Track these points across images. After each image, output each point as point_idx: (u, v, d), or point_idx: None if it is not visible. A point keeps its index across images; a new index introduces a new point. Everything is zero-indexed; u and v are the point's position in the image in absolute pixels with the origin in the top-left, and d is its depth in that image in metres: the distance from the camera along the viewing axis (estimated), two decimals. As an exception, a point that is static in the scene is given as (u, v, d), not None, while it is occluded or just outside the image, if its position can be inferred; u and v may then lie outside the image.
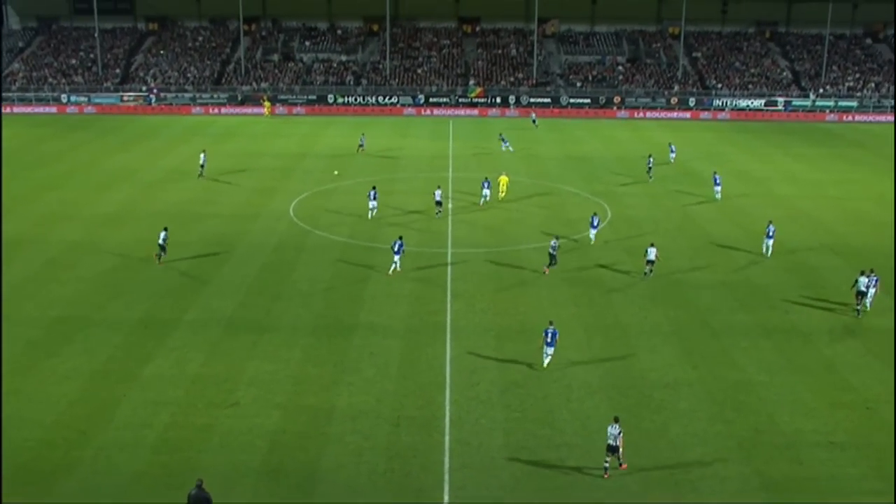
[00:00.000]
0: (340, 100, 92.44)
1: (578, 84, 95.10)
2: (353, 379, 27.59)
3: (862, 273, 33.95)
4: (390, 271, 36.91)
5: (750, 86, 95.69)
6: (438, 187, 48.87)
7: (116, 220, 45.62)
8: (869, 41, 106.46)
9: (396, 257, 36.72)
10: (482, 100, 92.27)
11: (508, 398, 26.45)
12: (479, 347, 29.88)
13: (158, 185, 53.92)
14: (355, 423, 24.94)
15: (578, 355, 29.40)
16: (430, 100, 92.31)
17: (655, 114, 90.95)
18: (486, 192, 49.89)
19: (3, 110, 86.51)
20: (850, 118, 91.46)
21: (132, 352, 29.33)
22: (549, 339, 28.37)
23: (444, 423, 24.96)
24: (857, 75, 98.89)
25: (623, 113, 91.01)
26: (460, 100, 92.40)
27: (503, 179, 51.81)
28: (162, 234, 38.27)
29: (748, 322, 32.52)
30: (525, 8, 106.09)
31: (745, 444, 24.15)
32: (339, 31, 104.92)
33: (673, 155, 64.09)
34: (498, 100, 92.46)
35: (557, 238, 39.07)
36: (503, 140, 67.88)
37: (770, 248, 40.53)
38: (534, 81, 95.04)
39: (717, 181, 52.50)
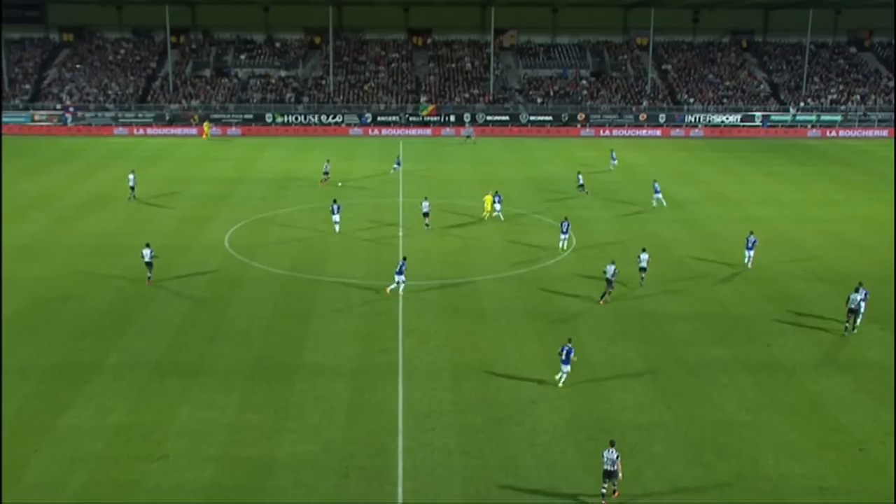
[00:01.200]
0: (280, 119, 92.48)
1: (539, 100, 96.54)
2: (296, 426, 27.36)
3: (855, 290, 35.29)
4: (388, 289, 38.89)
5: (725, 100, 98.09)
6: (426, 198, 52.29)
7: (28, 253, 44.84)
8: (853, 50, 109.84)
9: (399, 277, 38.36)
10: (435, 118, 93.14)
11: (467, 444, 26.48)
12: (434, 388, 29.89)
13: (76, 215, 53.20)
14: (299, 474, 24.72)
15: (543, 395, 29.53)
16: (379, 119, 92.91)
17: (622, 131, 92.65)
18: (498, 206, 53.21)
19: None
20: (833, 133, 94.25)
21: (45, 402, 28.73)
22: (564, 357, 30.03)
23: (397, 473, 24.87)
24: (841, 87, 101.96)
25: (588, 131, 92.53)
26: (411, 118, 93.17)
27: (488, 198, 53.93)
28: (147, 252, 40.18)
29: (726, 356, 33.05)
30: (481, 18, 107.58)
31: (727, 490, 24.37)
32: (278, 44, 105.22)
33: (614, 162, 70.19)
34: (452, 118, 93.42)
35: (614, 262, 39.26)
36: (397, 163, 67.31)
37: (751, 259, 43.67)
38: (491, 98, 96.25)
39: (657, 189, 57.13)
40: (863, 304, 35.12)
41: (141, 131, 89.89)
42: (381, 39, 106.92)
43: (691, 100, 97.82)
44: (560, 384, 30.04)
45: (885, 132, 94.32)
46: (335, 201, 50.92)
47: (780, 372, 31.79)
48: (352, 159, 76.17)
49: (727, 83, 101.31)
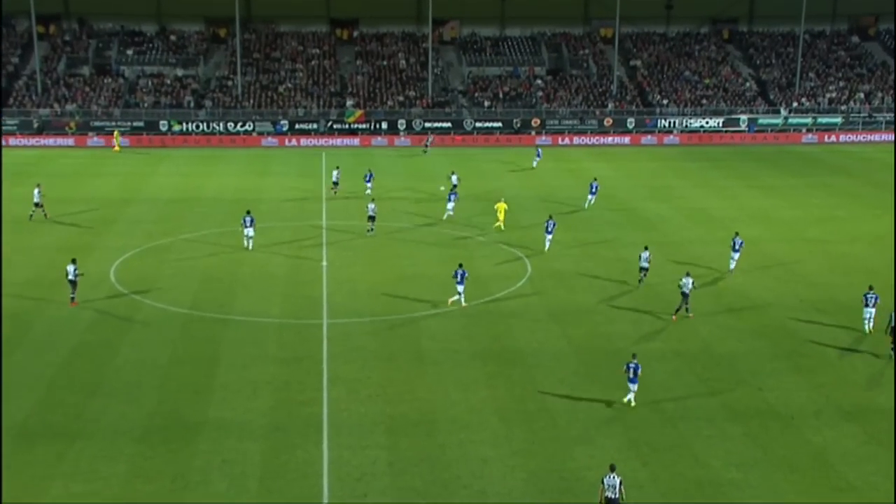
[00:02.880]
0: (177, 127, 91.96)
1: (486, 103, 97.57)
2: (198, 496, 27.06)
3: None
4: (450, 301, 42.49)
5: (704, 101, 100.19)
6: (373, 200, 57.00)
7: None
8: (856, 39, 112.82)
9: (460, 287, 42.05)
10: (363, 125, 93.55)
11: (406, 513, 26.49)
12: (366, 446, 29.85)
13: (-77, 245, 52.04)
14: (202, 556, 24.44)
15: (495, 451, 29.70)
16: (297, 126, 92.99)
17: (585, 139, 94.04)
18: (451, 205, 58.84)
19: None
20: (832, 138, 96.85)
21: None
22: (631, 375, 32.54)
23: (322, 550, 24.76)
24: (842, 83, 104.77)
25: (544, 139, 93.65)
26: (335, 126, 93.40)
27: (501, 206, 56.79)
28: (71, 269, 42.17)
29: (711, 403, 33.58)
30: (416, 8, 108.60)
31: (711, 558, 24.78)
32: (173, 37, 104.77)
33: (538, 158, 77.08)
34: (384, 125, 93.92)
35: (689, 274, 42.21)
36: (334, 181, 67.45)
37: (736, 263, 47.95)
38: (429, 101, 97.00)
39: (594, 189, 62.78)
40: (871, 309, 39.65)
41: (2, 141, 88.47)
42: (298, 32, 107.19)
43: (665, 101, 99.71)
44: (632, 404, 32.72)
45: (892, 136, 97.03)
46: (248, 213, 52.24)
47: (776, 420, 32.34)
48: (265, 175, 75.97)
49: (707, 81, 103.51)
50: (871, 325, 40.33)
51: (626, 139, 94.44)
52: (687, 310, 42.03)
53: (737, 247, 48.41)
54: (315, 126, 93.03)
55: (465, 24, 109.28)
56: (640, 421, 31.90)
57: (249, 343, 38.19)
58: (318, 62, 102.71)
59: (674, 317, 41.91)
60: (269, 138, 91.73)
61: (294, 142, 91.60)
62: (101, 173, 75.44)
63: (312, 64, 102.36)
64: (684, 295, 41.96)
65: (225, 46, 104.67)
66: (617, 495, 25.51)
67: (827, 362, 37.29)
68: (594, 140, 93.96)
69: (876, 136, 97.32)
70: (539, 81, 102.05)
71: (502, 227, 56.91)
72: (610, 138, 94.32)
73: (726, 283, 46.91)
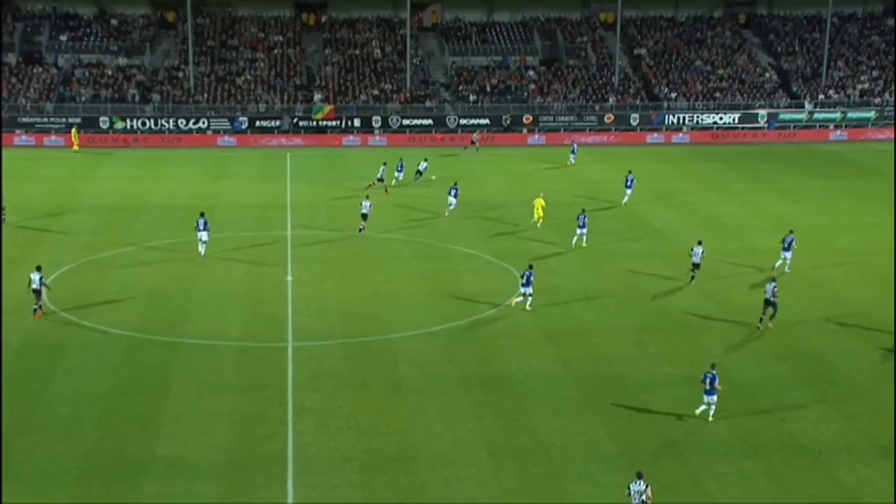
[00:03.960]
0: (120, 124, 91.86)
1: (472, 97, 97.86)
2: (143, 546, 26.92)
3: None
4: (513, 302, 45.06)
5: (718, 94, 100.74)
6: (367, 197, 59.00)
7: None
8: (892, 22, 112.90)
9: (527, 290, 44.58)
10: (333, 123, 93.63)
11: (382, 562, 26.47)
12: (336, 486, 29.78)
13: None
14: None
15: (483, 490, 29.70)
16: (258, 124, 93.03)
17: (583, 137, 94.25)
18: (453, 199, 62.82)
19: None
20: (863, 136, 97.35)
21: None
22: (707, 386, 34.08)
23: None
24: (875, 73, 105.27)
25: (537, 137, 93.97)
26: (301, 123, 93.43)
27: (539, 202, 59.78)
28: (35, 277, 43.32)
29: (727, 435, 33.59)
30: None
31: None
32: (115, 22, 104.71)
33: (574, 156, 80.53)
34: (356, 122, 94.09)
35: (775, 280, 43.99)
36: (379, 178, 69.18)
37: (788, 263, 50.89)
38: (408, 95, 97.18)
39: (630, 182, 65.89)
40: None
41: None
42: (258, 16, 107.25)
43: (673, 95, 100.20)
44: (709, 417, 34.09)
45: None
46: (202, 215, 52.72)
47: (801, 456, 32.36)
48: (222, 179, 75.89)
49: (720, 72, 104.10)
50: None
51: (630, 137, 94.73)
52: (771, 317, 43.27)
53: (787, 245, 50.86)
54: (278, 123, 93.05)
55: (448, 9, 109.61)
56: (646, 456, 31.91)
57: (204, 370, 38.05)
58: (281, 51, 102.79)
59: (769, 325, 43.22)
60: (226, 137, 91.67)
61: (255, 141, 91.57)
62: (31, 177, 75.08)
63: (275, 53, 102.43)
64: (768, 302, 43.09)
65: (174, 32, 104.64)
66: (644, 500, 27.03)
67: (859, 390, 37.34)
68: (593, 139, 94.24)
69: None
70: (531, 73, 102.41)
71: (539, 224, 59.75)
72: (611, 136, 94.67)
73: (742, 300, 47.06)
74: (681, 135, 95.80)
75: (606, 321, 44.23)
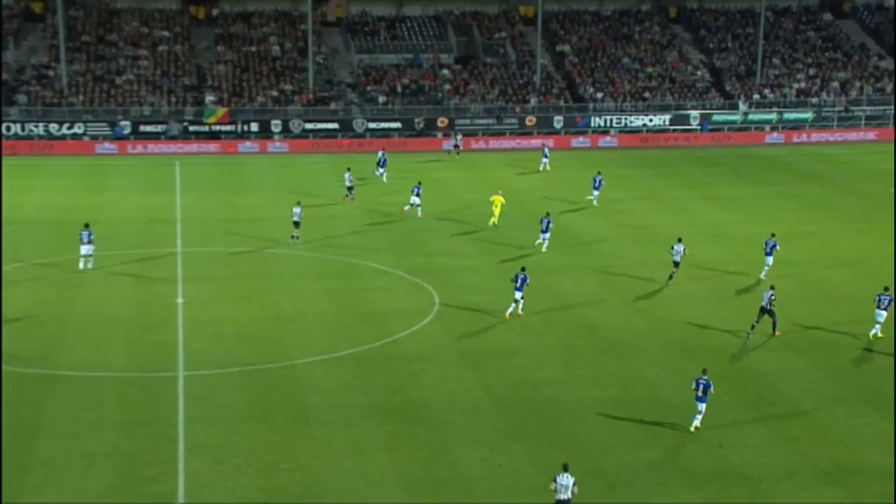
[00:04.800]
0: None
1: (381, 99, 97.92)
2: None
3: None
4: (507, 313, 46.51)
5: (647, 94, 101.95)
6: (298, 203, 59.29)
7: None
8: (828, 17, 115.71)
9: (518, 294, 46.45)
10: (228, 127, 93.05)
11: None
12: (235, 531, 29.60)
13: None
14: None
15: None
16: (141, 129, 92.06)
17: (503, 142, 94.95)
18: (416, 199, 65.56)
19: None
20: (801, 138, 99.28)
21: None
22: (700, 393, 35.47)
23: None
24: (812, 71, 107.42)
25: (453, 141, 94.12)
26: (192, 128, 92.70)
27: (498, 199, 62.87)
28: None
29: (661, 464, 33.95)
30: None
31: None
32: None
33: (545, 160, 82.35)
34: (254, 127, 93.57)
35: (773, 288, 45.37)
36: (348, 186, 70.74)
37: (768, 267, 52.72)
38: (311, 96, 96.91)
39: (598, 184, 69.09)
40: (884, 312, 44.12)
41: None
42: (140, 9, 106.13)
43: (599, 95, 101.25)
44: (693, 428, 35.56)
45: (874, 134, 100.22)
46: (87, 226, 52.69)
47: (740, 484, 32.78)
48: (101, 190, 74.91)
49: (650, 70, 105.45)
50: (879, 331, 44.23)
51: (552, 142, 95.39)
52: (774, 325, 44.95)
53: (769, 249, 52.98)
54: (165, 128, 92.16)
55: (354, 2, 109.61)
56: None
57: (82, 405, 37.43)
58: (167, 48, 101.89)
59: (777, 332, 44.96)
60: (106, 143, 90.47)
61: (139, 148, 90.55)
62: None
63: (160, 50, 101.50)
64: (764, 310, 44.59)
65: (42, 26, 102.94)
66: (569, 496, 28.44)
67: (800, 411, 37.99)
68: (514, 143, 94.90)
69: (853, 135, 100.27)
70: (446, 72, 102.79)
71: (496, 223, 63.02)
72: (533, 141, 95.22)
73: (675, 316, 47.77)
74: (608, 138, 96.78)
75: (530, 342, 44.53)
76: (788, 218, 67.36)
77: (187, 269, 54.61)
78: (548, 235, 58.13)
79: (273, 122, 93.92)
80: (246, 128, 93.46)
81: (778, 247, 53.35)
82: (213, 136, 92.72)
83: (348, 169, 72.40)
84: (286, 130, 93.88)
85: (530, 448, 34.65)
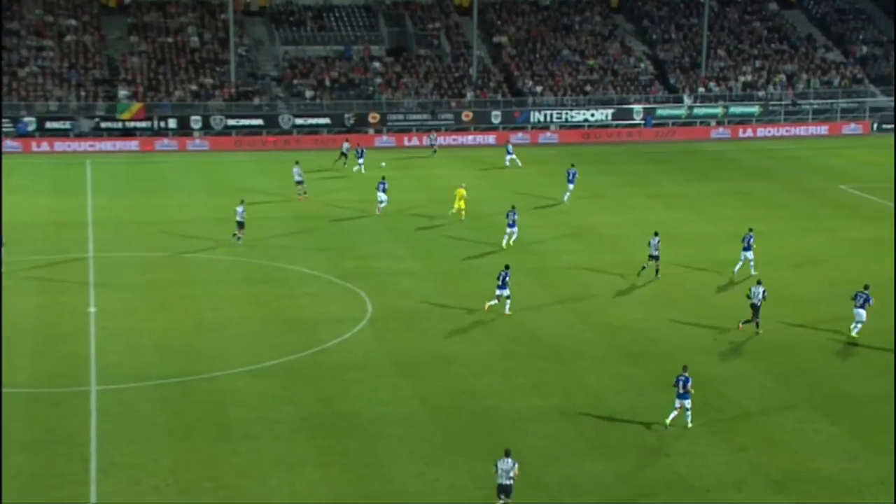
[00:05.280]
0: None
1: (309, 93, 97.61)
2: None
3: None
4: (486, 307, 48.27)
5: (588, 87, 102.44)
6: (242, 202, 59.78)
7: None
8: (774, 7, 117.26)
9: (504, 291, 48.02)
10: (143, 124, 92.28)
11: None
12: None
13: None
14: None
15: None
16: (48, 125, 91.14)
17: (438, 138, 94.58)
18: (383, 195, 66.87)
19: None
20: (748, 133, 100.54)
21: None
22: (681, 390, 36.62)
23: None
24: (758, 63, 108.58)
25: (385, 139, 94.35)
26: (104, 125, 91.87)
27: (460, 192, 65.01)
28: None
29: (605, 475, 34.09)
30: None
31: None
32: None
33: (510, 156, 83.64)
34: (171, 123, 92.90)
35: (761, 283, 46.90)
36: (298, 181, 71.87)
37: (752, 263, 54.05)
38: (233, 90, 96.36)
39: (572, 177, 70.79)
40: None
41: None
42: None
43: (539, 88, 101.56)
44: (688, 423, 36.73)
45: (824, 128, 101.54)
46: None
47: (688, 495, 33.06)
48: (5, 192, 73.72)
49: (591, 62, 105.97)
50: (858, 330, 45.70)
51: (491, 137, 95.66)
52: (757, 325, 46.14)
53: (747, 245, 54.30)
54: (74, 125, 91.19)
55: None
56: (514, 501, 32.30)
57: (-12, 421, 36.99)
58: (75, 37, 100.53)
59: (741, 325, 46.58)
60: (8, 141, 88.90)
61: (44, 146, 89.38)
62: None
63: (68, 40, 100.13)
64: (754, 307, 45.99)
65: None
66: (511, 481, 30.12)
67: (748, 418, 38.39)
68: (450, 139, 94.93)
69: (801, 129, 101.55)
70: (377, 64, 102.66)
71: (462, 217, 64.99)
72: (470, 137, 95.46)
73: (619, 320, 48.11)
74: (548, 134, 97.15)
75: (468, 349, 44.62)
76: (735, 216, 67.91)
77: (100, 275, 54.05)
78: (515, 229, 59.43)
79: (192, 118, 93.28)
80: (163, 124, 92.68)
81: (753, 241, 54.63)
82: (128, 133, 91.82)
83: (297, 163, 72.95)
84: (207, 127, 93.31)
85: (469, 461, 34.66)
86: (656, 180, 79.82)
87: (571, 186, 71.12)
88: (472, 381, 41.22)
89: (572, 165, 72.08)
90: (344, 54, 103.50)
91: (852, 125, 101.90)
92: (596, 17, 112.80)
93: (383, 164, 78.74)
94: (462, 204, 65.15)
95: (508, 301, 48.16)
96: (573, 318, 48.64)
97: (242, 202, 60.20)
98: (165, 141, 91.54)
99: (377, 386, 40.60)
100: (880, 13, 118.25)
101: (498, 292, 48.03)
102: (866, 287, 46.28)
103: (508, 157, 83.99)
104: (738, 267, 54.40)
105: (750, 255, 54.24)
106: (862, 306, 45.57)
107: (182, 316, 48.26)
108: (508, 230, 59.48)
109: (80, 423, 37.03)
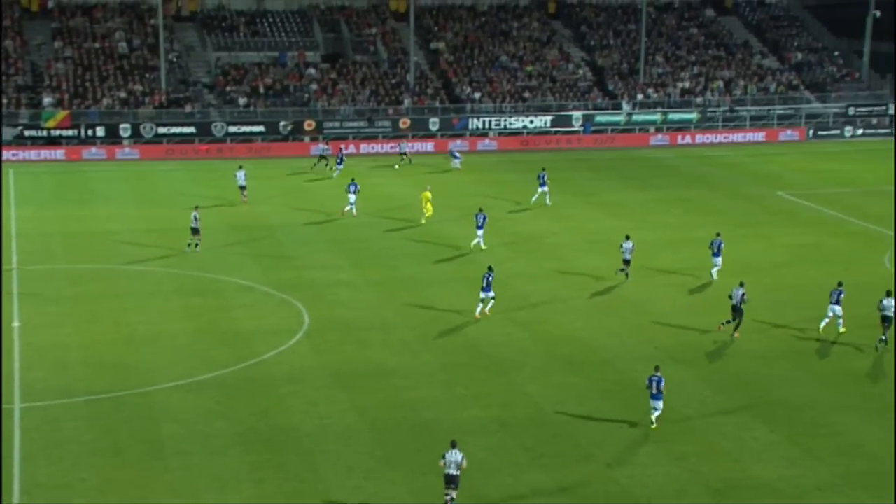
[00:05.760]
0: None
1: (242, 100, 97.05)
2: None
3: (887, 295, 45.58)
4: (477, 314, 49.11)
5: (527, 94, 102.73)
6: (196, 207, 59.92)
7: None
8: (711, 13, 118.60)
9: (488, 293, 49.15)
10: (70, 132, 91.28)
11: None
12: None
13: None
14: None
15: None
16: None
17: (375, 146, 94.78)
18: (352, 196, 68.31)
19: None
20: (687, 139, 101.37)
21: None
22: (654, 390, 37.56)
23: None
24: (696, 69, 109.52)
25: (322, 146, 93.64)
26: (27, 133, 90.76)
27: (426, 195, 66.81)
28: None
29: (546, 486, 34.05)
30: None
31: None
32: None
33: (458, 160, 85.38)
34: (99, 131, 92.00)
35: (743, 285, 47.67)
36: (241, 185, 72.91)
37: (717, 269, 55.32)
38: (164, 97, 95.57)
39: (543, 180, 72.17)
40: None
41: None
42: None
43: (477, 95, 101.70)
44: (653, 425, 37.45)
45: (761, 135, 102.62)
46: None
47: None
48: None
49: (529, 69, 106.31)
50: (842, 325, 47.31)
51: (430, 145, 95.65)
52: (736, 327, 47.15)
53: (717, 250, 55.50)
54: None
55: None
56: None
57: None
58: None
59: (736, 335, 47.11)
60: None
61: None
62: None
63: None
64: (735, 309, 46.85)
65: None
66: (458, 472, 31.24)
67: (689, 427, 38.47)
68: (387, 147, 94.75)
69: (739, 136, 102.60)
70: (312, 71, 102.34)
71: (427, 217, 66.65)
72: (407, 144, 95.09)
73: (560, 329, 48.16)
74: (487, 141, 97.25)
75: (407, 360, 44.44)
76: (675, 223, 68.39)
77: (24, 288, 53.09)
78: (482, 232, 60.54)
79: (122, 125, 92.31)
80: (91, 132, 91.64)
81: (723, 246, 55.76)
82: (53, 141, 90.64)
83: (240, 167, 73.12)
84: (136, 135, 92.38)
85: (408, 475, 34.53)
86: (596, 188, 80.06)
87: (544, 189, 72.45)
88: (411, 392, 41.04)
89: (543, 169, 73.38)
90: (278, 61, 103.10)
91: (789, 131, 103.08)
92: (534, 23, 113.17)
93: (396, 166, 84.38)
94: (429, 206, 66.78)
95: (492, 302, 49.35)
96: (513, 328, 48.58)
97: (197, 207, 60.12)
98: (93, 150, 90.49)
99: (314, 399, 40.31)
100: (814, 20, 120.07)
101: (483, 295, 49.12)
102: (840, 284, 47.60)
103: (455, 160, 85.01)
104: (714, 271, 55.73)
105: (719, 260, 55.44)
106: (837, 302, 46.96)
107: (112, 330, 47.63)
108: (479, 232, 60.67)
109: (3, 443, 36.19)
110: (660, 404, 37.49)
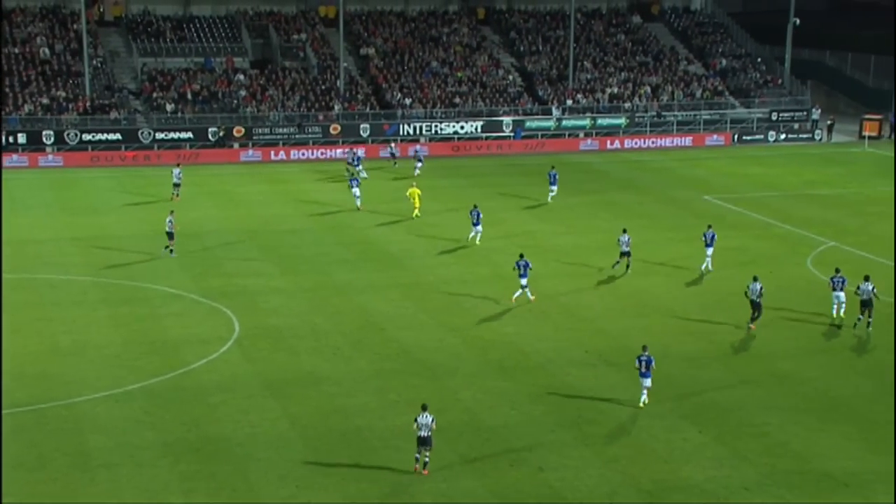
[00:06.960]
0: None
1: (170, 107, 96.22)
2: None
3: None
4: (513, 299, 51.71)
5: (458, 99, 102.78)
6: (171, 212, 60.56)
7: None
8: (637, 19, 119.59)
9: (523, 281, 51.25)
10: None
11: None
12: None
13: None
14: None
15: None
16: None
17: (306, 152, 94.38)
18: (356, 190, 71.17)
19: None
20: (616, 145, 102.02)
21: None
22: (643, 368, 39.74)
23: None
24: (624, 75, 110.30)
25: (251, 153, 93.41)
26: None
27: (414, 192, 69.31)
28: None
29: (478, 490, 33.95)
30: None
31: None
32: None
33: (420, 165, 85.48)
34: (21, 138, 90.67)
35: (758, 279, 48.94)
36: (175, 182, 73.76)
37: (710, 260, 57.13)
38: (88, 103, 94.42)
39: (554, 178, 75.59)
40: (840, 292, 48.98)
41: None
42: None
43: (408, 101, 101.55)
44: (642, 404, 39.78)
45: (688, 140, 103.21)
46: None
47: (566, 509, 33.30)
48: None
49: (459, 74, 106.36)
50: (843, 311, 49.45)
51: (361, 151, 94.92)
52: (755, 320, 48.70)
53: (709, 241, 57.19)
54: None
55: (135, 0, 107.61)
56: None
57: None
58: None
59: (752, 326, 48.79)
60: None
61: None
62: None
63: None
64: (754, 304, 48.35)
65: None
66: (429, 433, 34.07)
67: (621, 430, 38.70)
68: (318, 153, 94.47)
69: (666, 141, 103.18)
70: (241, 77, 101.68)
71: (418, 214, 69.35)
72: (339, 150, 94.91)
73: (492, 334, 48.09)
74: (418, 146, 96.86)
75: (339, 367, 44.18)
76: (605, 227, 68.40)
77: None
78: (479, 228, 63.11)
79: (45, 132, 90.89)
80: (12, 139, 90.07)
81: (716, 238, 57.53)
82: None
83: (177, 165, 74.07)
84: (60, 142, 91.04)
85: (341, 482, 34.36)
86: (526, 193, 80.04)
87: (554, 189, 76.02)
88: (343, 399, 40.80)
89: (553, 168, 77.14)
90: (206, 66, 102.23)
91: (714, 136, 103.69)
92: (463, 28, 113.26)
93: (395, 164, 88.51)
94: (417, 202, 69.48)
95: (528, 289, 51.66)
96: (445, 334, 48.46)
97: (172, 212, 60.72)
98: (14, 157, 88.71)
99: (245, 407, 39.95)
100: (737, 27, 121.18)
101: (523, 282, 51.43)
102: (837, 270, 50.01)
103: (418, 165, 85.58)
104: (704, 265, 57.62)
105: (710, 251, 57.23)
106: (841, 288, 49.20)
107: (35, 340, 46.83)
108: (474, 229, 63.19)
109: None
110: (648, 382, 39.67)
